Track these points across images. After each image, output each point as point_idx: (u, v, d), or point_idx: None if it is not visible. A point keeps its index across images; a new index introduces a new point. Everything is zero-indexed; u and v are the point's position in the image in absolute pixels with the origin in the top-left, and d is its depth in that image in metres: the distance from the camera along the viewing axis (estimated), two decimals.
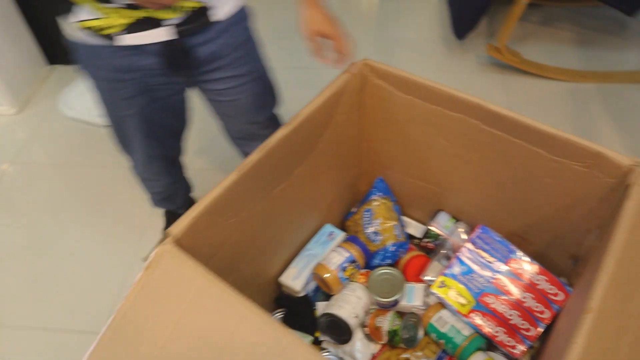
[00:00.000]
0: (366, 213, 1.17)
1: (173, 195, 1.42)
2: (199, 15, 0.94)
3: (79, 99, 2.03)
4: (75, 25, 0.92)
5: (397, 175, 1.17)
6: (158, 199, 1.43)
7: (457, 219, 1.13)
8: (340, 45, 0.98)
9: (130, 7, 0.87)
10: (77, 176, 1.81)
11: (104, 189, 1.76)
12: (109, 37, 0.91)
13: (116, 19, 0.88)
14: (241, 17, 1.03)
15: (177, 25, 0.92)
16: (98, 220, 1.66)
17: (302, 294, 1.07)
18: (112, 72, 0.98)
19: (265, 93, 1.16)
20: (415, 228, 1.21)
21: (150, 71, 0.98)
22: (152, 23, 0.90)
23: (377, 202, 1.17)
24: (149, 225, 1.63)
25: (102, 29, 0.90)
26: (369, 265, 1.12)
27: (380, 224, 1.14)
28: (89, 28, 0.91)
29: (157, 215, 1.63)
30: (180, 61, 0.97)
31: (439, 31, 2.39)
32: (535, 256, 1.00)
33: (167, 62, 0.96)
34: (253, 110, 1.13)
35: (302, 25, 0.99)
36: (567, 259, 0.99)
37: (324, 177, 1.07)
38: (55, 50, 2.24)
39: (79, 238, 1.61)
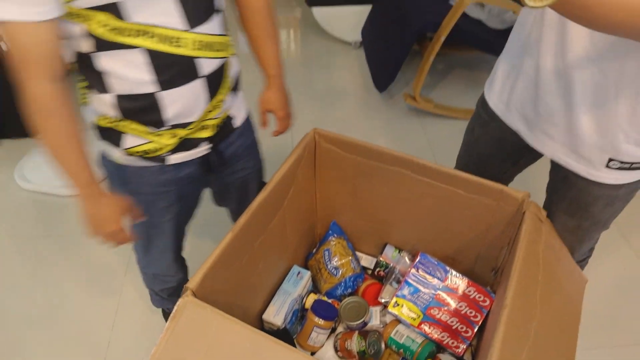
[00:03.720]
0: (326, 252, 1.39)
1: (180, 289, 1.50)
2: (226, 126, 1.11)
3: (35, 171, 2.13)
4: (123, 152, 1.03)
5: (348, 218, 1.41)
6: (167, 295, 1.47)
7: (400, 249, 1.38)
8: (281, 124, 1.23)
9: (175, 127, 1.00)
10: (43, 246, 1.90)
11: (71, 256, 1.87)
12: (157, 158, 1.04)
13: (166, 140, 1.01)
14: (250, 123, 1.22)
15: (212, 139, 1.09)
16: (71, 287, 1.77)
17: (282, 327, 1.27)
18: (155, 186, 1.09)
19: (261, 176, 1.36)
20: (367, 260, 1.45)
21: (188, 179, 1.12)
22: (192, 143, 1.06)
23: (334, 242, 1.40)
24: (125, 284, 1.75)
25: (150, 152, 1.02)
26: (334, 295, 1.33)
27: (338, 259, 1.37)
28: (136, 152, 1.02)
29: (132, 274, 1.76)
30: (214, 166, 1.13)
31: (360, 82, 2.70)
32: (464, 272, 1.26)
33: (204, 169, 1.12)
34: (254, 193, 1.28)
35: (259, 100, 1.22)
36: (489, 272, 1.25)
37: (289, 226, 1.29)
38: (1, 124, 2.32)
39: (57, 303, 1.71)
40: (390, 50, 2.38)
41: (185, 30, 0.89)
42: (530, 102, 1.02)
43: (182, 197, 1.15)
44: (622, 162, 0.95)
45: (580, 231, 1.13)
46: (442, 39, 2.17)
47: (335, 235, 1.41)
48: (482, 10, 2.37)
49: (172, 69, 0.91)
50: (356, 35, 2.90)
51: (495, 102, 1.13)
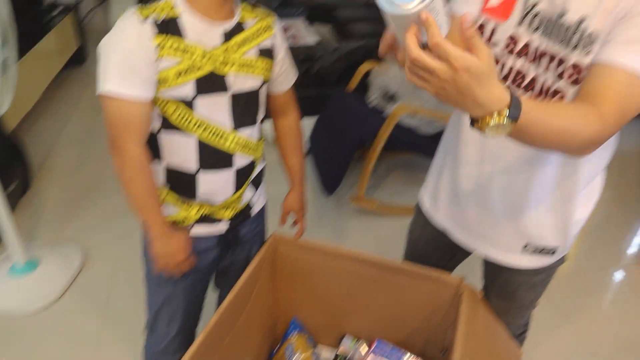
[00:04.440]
0: (288, 348, 1.48)
1: None
2: (244, 212, 1.28)
3: None
4: None
5: (308, 313, 1.52)
6: None
7: (358, 338, 1.49)
8: (300, 225, 1.43)
9: (203, 202, 1.18)
10: None
11: None
12: (184, 228, 1.21)
13: (193, 212, 1.19)
14: (263, 212, 1.38)
15: (231, 221, 1.25)
16: None
17: None
18: None
19: None
20: (327, 351, 1.54)
21: (205, 253, 1.25)
22: (213, 220, 1.22)
23: (295, 338, 1.49)
24: None
25: (178, 223, 1.20)
26: None
27: (300, 354, 1.46)
28: (170, 221, 1.20)
29: None
30: (230, 245, 1.28)
31: (310, 187, 2.90)
32: (417, 354, 1.38)
33: (220, 248, 1.27)
34: None
35: (283, 202, 1.42)
36: (439, 352, 1.38)
37: (253, 325, 1.39)
38: None
39: None
40: (335, 158, 2.62)
41: (231, 131, 1.13)
42: (452, 201, 1.21)
43: (197, 270, 1.27)
44: (536, 246, 1.13)
45: (511, 312, 1.29)
46: (379, 147, 2.42)
47: (297, 331, 1.51)
48: (413, 119, 2.67)
49: (213, 157, 1.14)
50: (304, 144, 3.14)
51: (428, 205, 1.31)
